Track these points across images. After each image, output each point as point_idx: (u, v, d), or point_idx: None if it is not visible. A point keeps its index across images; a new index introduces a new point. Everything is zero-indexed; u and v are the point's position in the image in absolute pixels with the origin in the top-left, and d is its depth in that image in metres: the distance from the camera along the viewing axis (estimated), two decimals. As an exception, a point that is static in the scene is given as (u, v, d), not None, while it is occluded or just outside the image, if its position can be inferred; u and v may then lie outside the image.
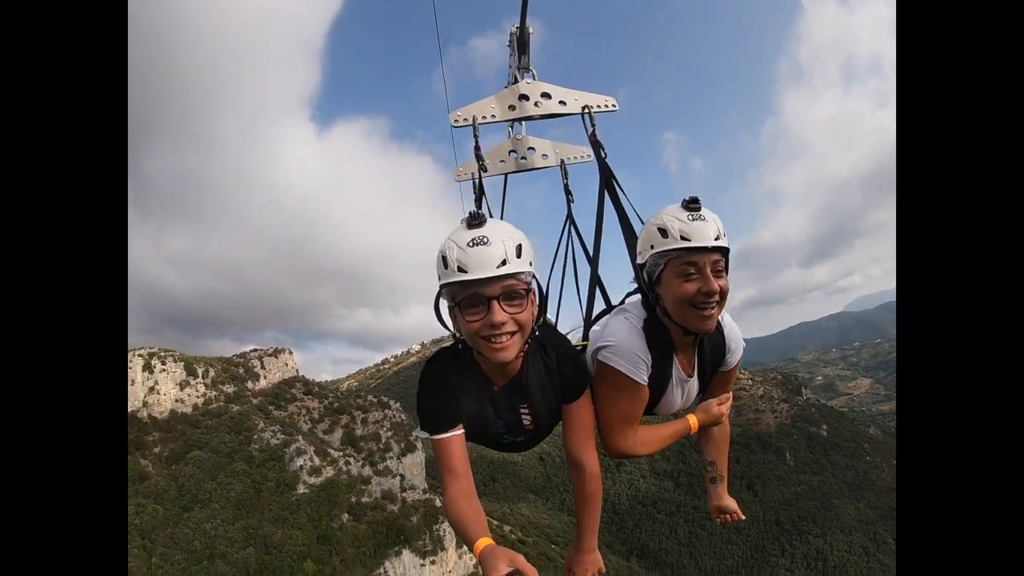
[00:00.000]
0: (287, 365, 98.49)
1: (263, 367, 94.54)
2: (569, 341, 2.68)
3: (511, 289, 2.09)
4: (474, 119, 3.90)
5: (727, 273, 2.43)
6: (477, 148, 3.91)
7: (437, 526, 67.30)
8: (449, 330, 2.30)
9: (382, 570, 60.72)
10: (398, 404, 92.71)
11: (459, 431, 2.32)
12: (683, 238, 2.35)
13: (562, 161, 4.51)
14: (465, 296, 2.09)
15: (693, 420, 2.64)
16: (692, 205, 2.41)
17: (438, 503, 69.64)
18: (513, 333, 2.14)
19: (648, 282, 2.54)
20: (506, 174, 4.50)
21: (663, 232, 2.41)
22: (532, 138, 4.52)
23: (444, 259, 2.11)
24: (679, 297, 2.38)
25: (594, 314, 3.30)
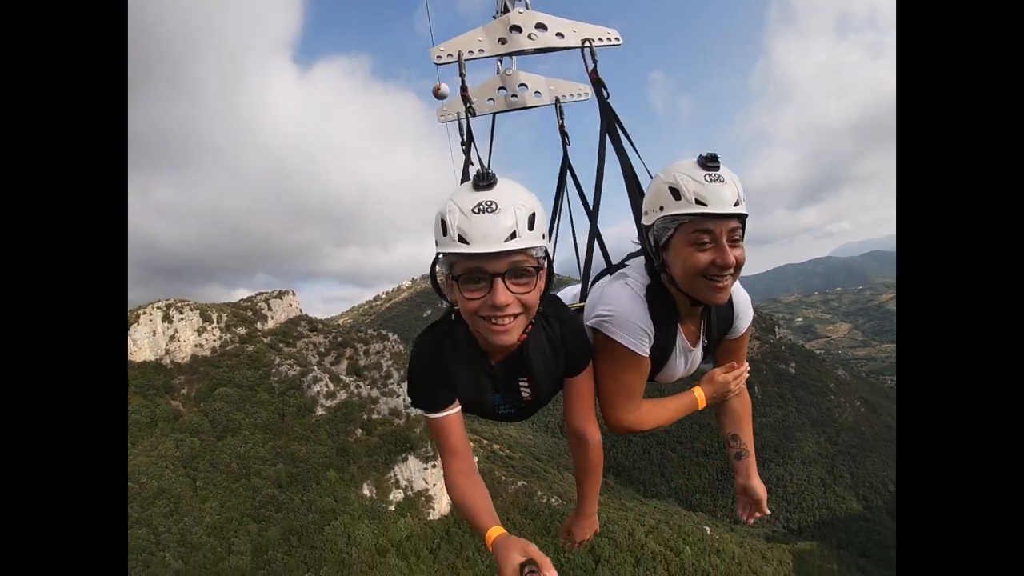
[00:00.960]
0: (291, 306, 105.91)
1: (270, 309, 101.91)
2: (574, 313, 2.41)
3: (519, 266, 1.82)
4: (459, 55, 3.42)
5: (742, 242, 2.18)
6: (464, 88, 3.48)
7: None
8: (447, 301, 2.08)
9: (392, 474, 70.91)
10: (395, 336, 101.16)
11: (456, 409, 2.18)
12: (698, 202, 2.07)
13: (557, 99, 4.10)
14: (465, 270, 1.82)
15: (700, 395, 2.43)
16: (710, 164, 2.11)
17: None
18: (517, 315, 1.88)
19: (655, 246, 2.29)
20: (495, 113, 4.10)
21: (675, 193, 2.12)
22: (523, 73, 4.11)
23: (443, 223, 1.82)
24: (690, 267, 2.13)
25: (592, 273, 3.02)
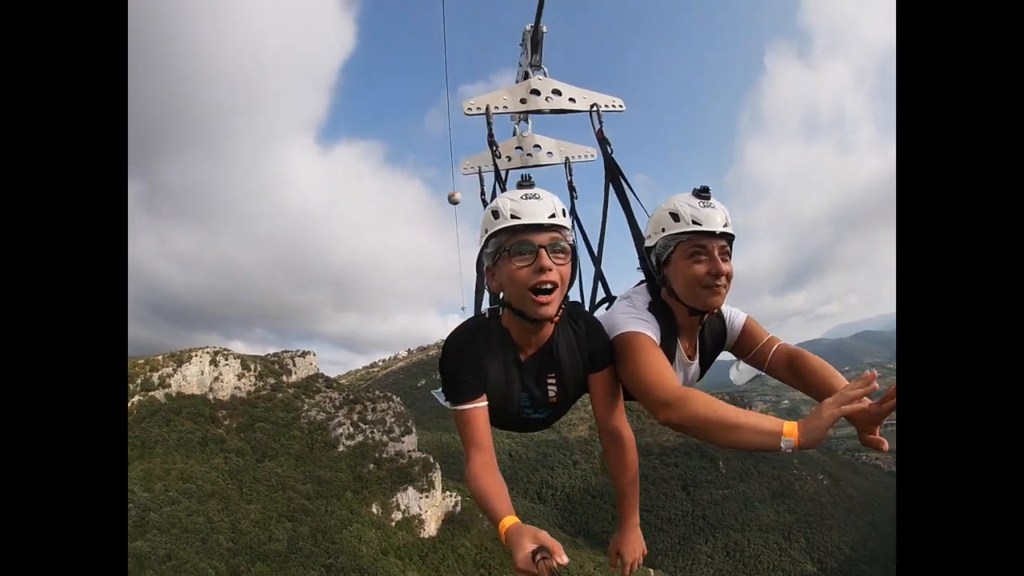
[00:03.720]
0: (311, 364, 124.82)
1: (294, 365, 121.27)
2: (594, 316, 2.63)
3: (557, 242, 2.15)
4: (487, 108, 3.88)
5: (730, 259, 2.50)
6: (491, 136, 3.87)
7: (431, 473, 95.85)
8: (486, 289, 2.45)
9: (395, 499, 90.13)
10: (398, 398, 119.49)
11: (483, 402, 2.29)
12: (695, 222, 2.42)
13: (567, 159, 4.59)
14: (515, 243, 2.13)
15: (792, 431, 1.83)
16: (703, 193, 2.49)
17: (431, 459, 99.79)
18: (556, 286, 2.15)
19: (656, 263, 2.60)
20: (509, 170, 4.49)
21: (675, 216, 2.48)
22: (538, 136, 4.63)
23: (495, 212, 2.19)
24: (689, 277, 2.45)
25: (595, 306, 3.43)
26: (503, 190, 3.80)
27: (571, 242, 2.22)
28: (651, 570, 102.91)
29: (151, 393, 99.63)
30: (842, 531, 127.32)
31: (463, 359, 2.30)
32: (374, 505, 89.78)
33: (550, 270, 2.11)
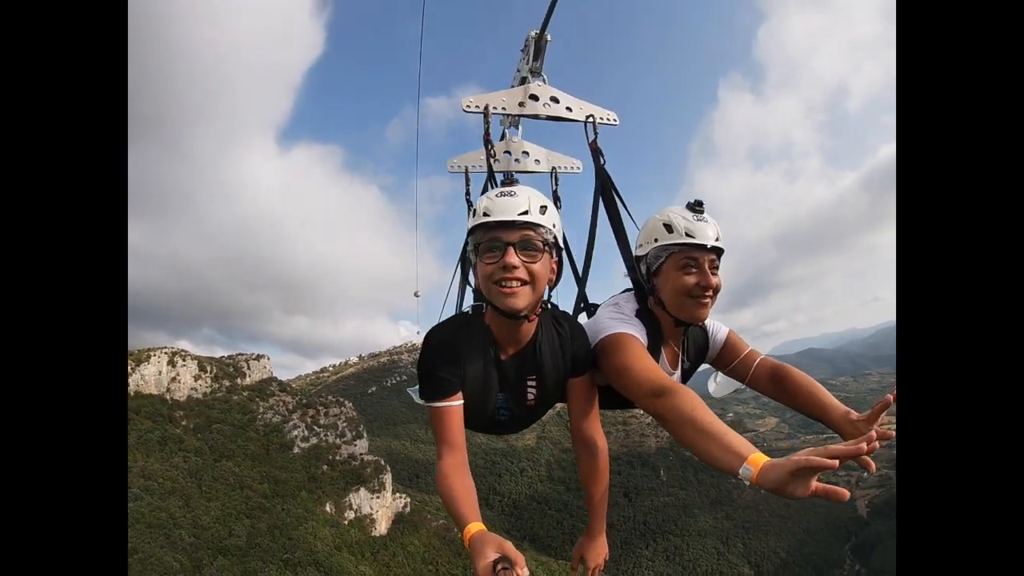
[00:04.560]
0: (265, 367, 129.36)
1: (248, 368, 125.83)
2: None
3: (528, 239, 2.12)
4: (487, 107, 3.88)
5: (719, 273, 2.53)
6: (487, 134, 3.84)
7: (382, 476, 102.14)
8: (469, 284, 2.40)
9: (347, 499, 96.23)
10: (350, 404, 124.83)
11: (458, 401, 2.24)
12: (688, 235, 2.45)
13: (554, 168, 4.50)
14: (486, 240, 2.14)
15: (757, 462, 1.65)
16: (697, 207, 2.51)
17: (382, 462, 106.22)
18: (525, 282, 2.12)
19: (646, 272, 2.62)
20: (496, 172, 4.18)
21: (668, 228, 2.51)
22: (527, 143, 4.57)
23: (475, 210, 2.21)
24: (678, 287, 2.47)
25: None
26: (494, 187, 3.52)
27: (548, 239, 2.18)
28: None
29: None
30: (778, 537, 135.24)
31: (442, 355, 2.25)
32: (328, 504, 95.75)
33: (515, 267, 2.09)
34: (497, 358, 2.37)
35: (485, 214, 2.15)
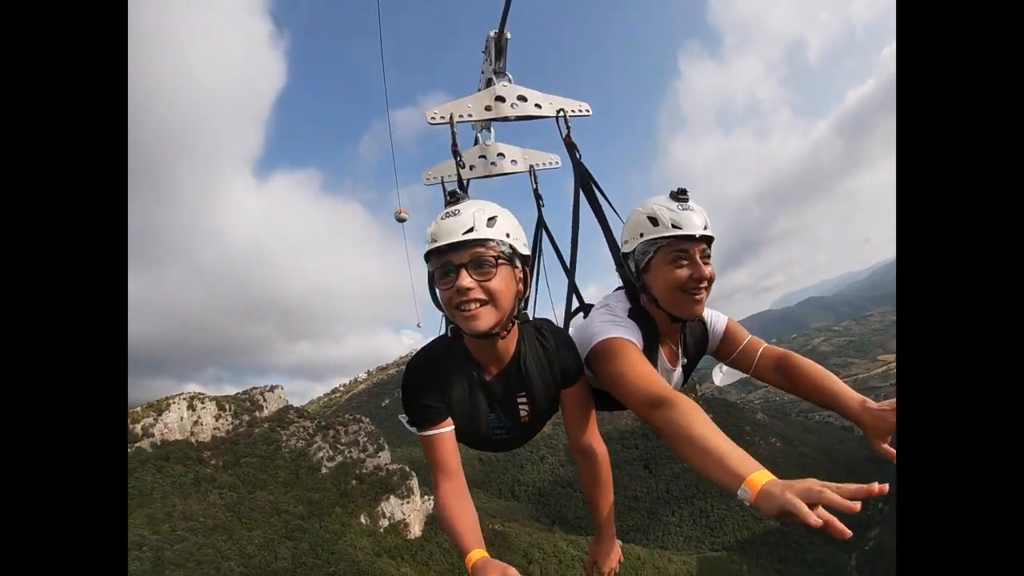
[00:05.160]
0: (280, 397, 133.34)
1: (264, 400, 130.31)
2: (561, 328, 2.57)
3: (479, 257, 2.04)
4: (451, 116, 3.79)
5: (711, 261, 2.41)
6: (455, 145, 3.76)
7: (408, 481, 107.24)
8: (441, 309, 2.23)
9: (380, 508, 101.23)
10: (367, 419, 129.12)
11: (449, 427, 2.21)
12: (674, 226, 2.34)
13: (531, 167, 4.38)
14: (439, 266, 2.07)
15: (756, 483, 1.52)
16: (681, 196, 2.40)
17: (407, 469, 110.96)
18: (484, 302, 2.05)
19: (635, 270, 2.51)
20: (472, 178, 4.39)
21: (653, 220, 2.40)
22: (501, 144, 4.49)
23: (429, 234, 2.11)
24: (670, 283, 2.36)
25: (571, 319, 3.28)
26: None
27: (503, 251, 2.10)
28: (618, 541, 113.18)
29: (137, 444, 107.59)
30: None
31: (425, 383, 2.22)
32: (362, 516, 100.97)
33: (469, 289, 2.02)
34: (482, 380, 2.30)
35: (433, 239, 2.07)
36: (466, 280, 2.02)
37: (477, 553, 1.90)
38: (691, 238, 2.37)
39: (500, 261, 2.09)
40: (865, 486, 1.40)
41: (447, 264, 2.06)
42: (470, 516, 2.10)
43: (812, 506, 1.40)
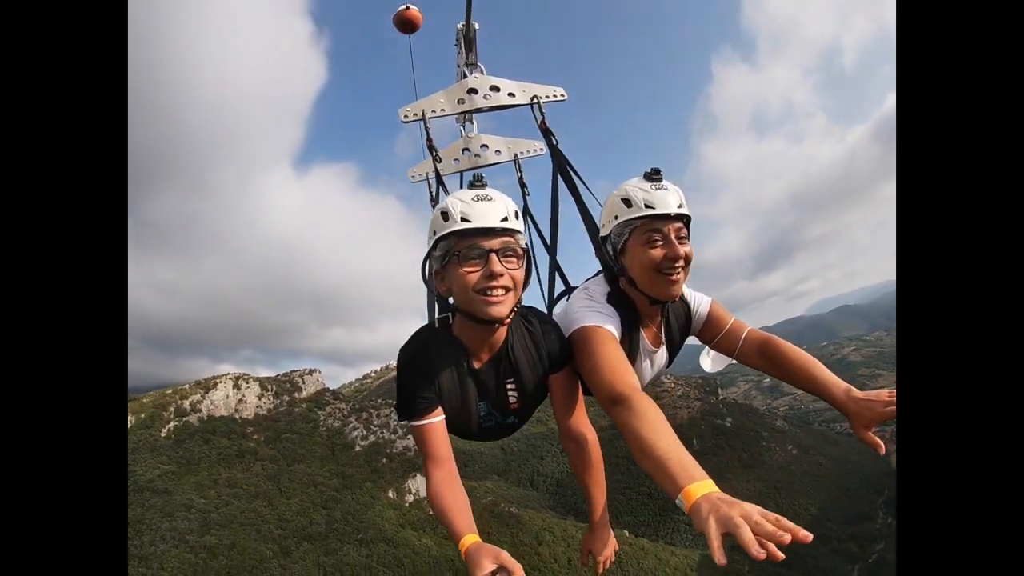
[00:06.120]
0: (318, 380, 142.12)
1: (303, 382, 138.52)
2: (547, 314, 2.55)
3: (509, 246, 2.07)
4: (423, 113, 3.77)
5: (689, 241, 2.36)
6: (429, 140, 3.77)
7: None
8: (433, 290, 2.28)
9: (407, 486, 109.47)
10: None
11: (439, 416, 2.22)
12: (647, 206, 2.32)
13: (516, 156, 4.42)
14: (464, 246, 2.04)
15: (692, 495, 1.51)
16: (654, 176, 2.36)
17: None
18: (508, 289, 2.07)
19: (612, 253, 2.48)
20: (461, 172, 4.43)
21: (627, 202, 2.38)
22: (484, 136, 4.48)
23: (445, 214, 2.08)
24: (645, 263, 2.34)
25: (555, 298, 3.30)
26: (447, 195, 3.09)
27: (524, 245, 2.15)
28: (625, 532, 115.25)
29: (185, 418, 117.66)
30: (810, 496, 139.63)
31: (415, 374, 2.23)
32: (390, 491, 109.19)
33: (501, 275, 2.04)
34: (471, 368, 2.31)
35: (464, 219, 2.04)
36: (498, 266, 2.03)
37: (470, 538, 1.91)
38: (665, 217, 2.34)
39: (523, 252, 2.15)
40: (792, 529, 1.29)
41: (475, 246, 2.04)
42: (462, 502, 2.11)
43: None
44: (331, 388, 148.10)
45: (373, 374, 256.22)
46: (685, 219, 2.38)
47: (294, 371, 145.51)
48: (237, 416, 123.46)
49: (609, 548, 2.74)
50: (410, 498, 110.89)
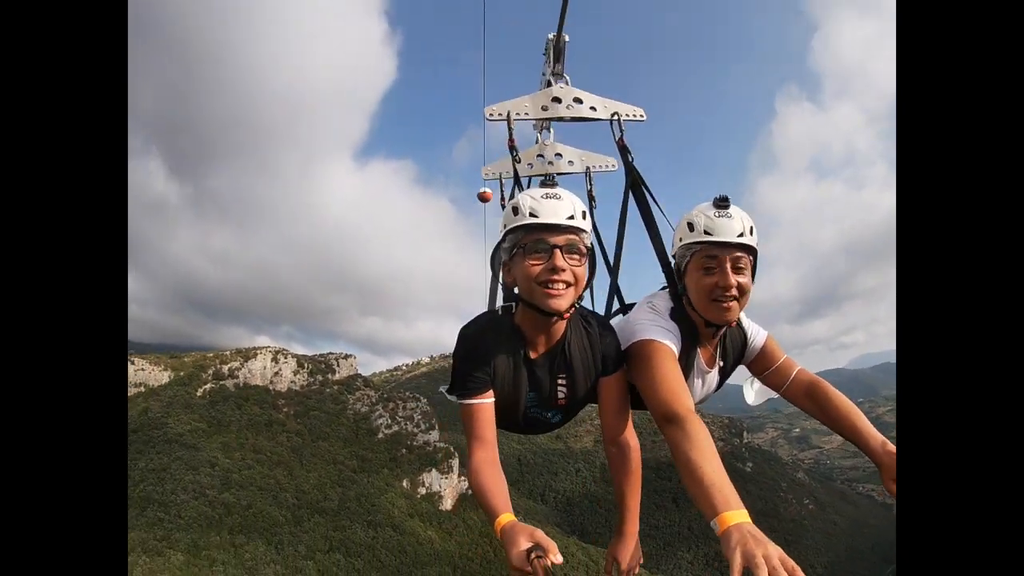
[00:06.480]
0: (352, 366, 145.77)
1: (338, 365, 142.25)
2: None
3: (573, 243, 2.14)
4: (508, 114, 3.86)
5: (753, 272, 2.41)
6: (511, 140, 3.84)
7: (451, 460, 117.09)
8: (499, 279, 2.38)
9: (421, 478, 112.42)
10: (424, 399, 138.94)
11: (489, 398, 2.26)
12: (707, 232, 2.36)
13: (588, 168, 4.48)
14: (531, 240, 2.13)
15: (727, 521, 1.57)
16: (721, 203, 2.40)
17: (451, 449, 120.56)
18: (569, 284, 2.14)
19: (677, 273, 2.55)
20: (532, 176, 4.42)
21: (691, 226, 2.43)
22: (560, 145, 4.57)
23: (516, 209, 2.18)
24: (700, 288, 2.39)
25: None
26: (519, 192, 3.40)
27: (588, 244, 2.23)
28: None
29: (222, 382, 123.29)
30: (819, 552, 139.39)
31: (473, 354, 2.28)
32: (405, 481, 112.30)
33: (563, 270, 2.11)
34: (527, 357, 2.36)
35: (532, 215, 2.14)
36: (561, 261, 2.10)
37: (506, 517, 1.93)
38: (723, 245, 2.36)
39: (587, 251, 2.22)
40: None
41: (541, 241, 2.13)
42: (501, 484, 2.13)
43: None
44: (363, 375, 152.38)
45: (404, 367, 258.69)
46: (749, 249, 2.41)
47: (331, 353, 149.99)
48: (271, 388, 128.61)
49: (635, 559, 2.74)
50: (422, 490, 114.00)
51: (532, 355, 2.36)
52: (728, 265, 2.35)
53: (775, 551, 1.45)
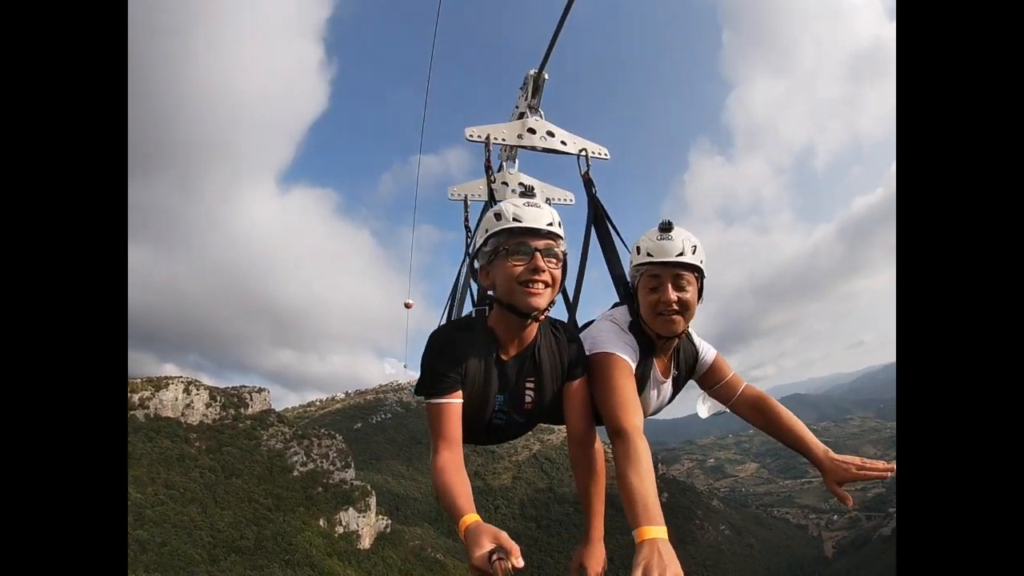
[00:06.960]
0: (265, 400, 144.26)
1: (251, 399, 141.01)
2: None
3: (551, 248, 2.29)
4: (488, 137, 4.13)
5: (701, 289, 2.61)
6: (488, 161, 4.08)
7: (368, 499, 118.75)
8: (478, 283, 2.45)
9: (338, 516, 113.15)
10: (340, 436, 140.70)
11: (458, 399, 2.28)
12: (649, 254, 2.58)
13: (547, 199, 4.64)
14: (513, 243, 2.26)
15: (643, 535, 1.84)
16: (664, 228, 2.60)
17: (368, 487, 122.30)
18: (547, 285, 2.26)
19: (630, 292, 2.76)
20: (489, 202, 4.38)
21: (638, 250, 2.66)
22: (523, 175, 4.76)
23: (498, 215, 2.32)
24: (646, 304, 2.59)
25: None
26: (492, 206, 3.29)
27: (563, 250, 2.36)
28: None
29: (132, 412, 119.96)
30: (738, 575, 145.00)
31: (444, 353, 2.31)
32: (321, 519, 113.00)
33: (543, 271, 2.24)
34: (498, 359, 2.42)
35: (516, 219, 2.27)
36: (541, 262, 2.25)
37: (471, 517, 1.92)
38: (663, 264, 2.55)
39: (562, 256, 2.36)
40: None
41: (523, 244, 2.26)
42: (465, 484, 2.13)
43: None
44: (276, 410, 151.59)
45: (318, 402, 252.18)
46: (690, 267, 2.57)
47: (243, 386, 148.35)
48: (183, 420, 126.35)
49: (601, 564, 2.75)
50: (340, 529, 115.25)
51: (504, 357, 2.44)
52: (668, 283, 2.55)
53: (674, 573, 1.64)
